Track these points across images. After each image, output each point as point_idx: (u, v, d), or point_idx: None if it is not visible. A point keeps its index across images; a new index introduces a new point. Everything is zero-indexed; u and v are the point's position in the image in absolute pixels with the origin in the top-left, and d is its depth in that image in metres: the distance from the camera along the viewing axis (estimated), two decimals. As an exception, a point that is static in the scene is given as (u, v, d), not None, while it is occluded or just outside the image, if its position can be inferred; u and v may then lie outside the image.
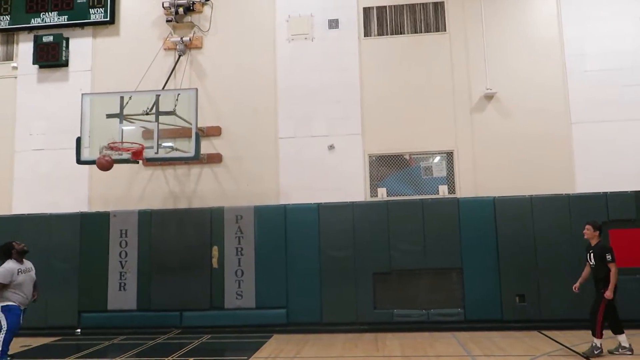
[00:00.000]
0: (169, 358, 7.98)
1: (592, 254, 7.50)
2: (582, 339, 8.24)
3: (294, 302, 10.17)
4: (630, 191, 9.90)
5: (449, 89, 10.84)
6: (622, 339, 7.40)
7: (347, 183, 10.75)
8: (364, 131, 10.92)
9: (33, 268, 7.67)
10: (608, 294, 7.25)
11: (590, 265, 7.53)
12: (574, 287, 7.72)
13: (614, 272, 7.27)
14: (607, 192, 9.91)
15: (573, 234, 9.61)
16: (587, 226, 7.66)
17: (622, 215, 9.74)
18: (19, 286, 7.29)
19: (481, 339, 8.76)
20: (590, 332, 7.47)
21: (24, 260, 7.53)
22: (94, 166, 10.21)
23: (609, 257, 7.32)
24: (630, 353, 7.29)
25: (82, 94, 10.02)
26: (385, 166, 10.96)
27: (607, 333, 7.41)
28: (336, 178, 10.78)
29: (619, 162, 10.25)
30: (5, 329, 7.17)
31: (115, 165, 9.36)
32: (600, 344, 7.20)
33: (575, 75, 10.57)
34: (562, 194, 10.02)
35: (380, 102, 10.95)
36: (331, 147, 10.88)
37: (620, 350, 7.38)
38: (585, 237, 7.67)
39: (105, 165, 9.05)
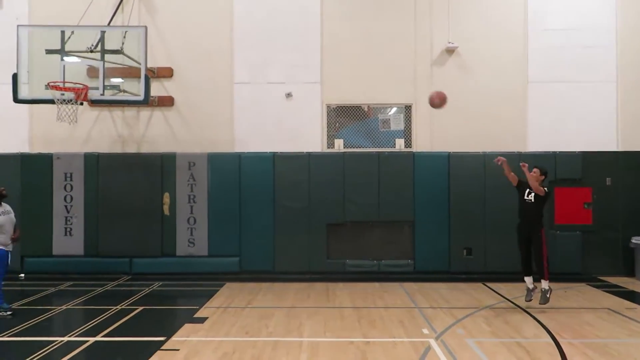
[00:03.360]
0: (119, 306, 7.85)
1: (532, 194, 7.52)
2: (522, 292, 8.66)
3: (247, 251, 10.19)
4: (578, 151, 10.25)
5: (411, 40, 10.62)
6: (529, 280, 7.74)
7: (304, 133, 10.57)
8: (323, 80, 10.63)
9: (12, 211, 7.77)
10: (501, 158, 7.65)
11: (526, 200, 7.58)
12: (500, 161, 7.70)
13: (541, 190, 7.43)
14: (556, 152, 10.22)
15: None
16: (535, 169, 7.68)
17: (569, 174, 10.13)
18: (1, 227, 7.37)
19: (428, 290, 9.09)
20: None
21: (2, 203, 7.62)
22: (35, 104, 9.65)
23: (545, 189, 7.47)
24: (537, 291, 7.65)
25: (18, 26, 9.15)
26: (343, 117, 10.80)
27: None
28: (293, 127, 10.57)
29: (570, 123, 10.52)
30: None
31: (58, 105, 8.76)
32: (549, 286, 7.50)
33: (536, 33, 10.56)
34: (514, 152, 10.25)
35: (341, 50, 10.63)
36: (289, 95, 10.57)
37: (532, 294, 7.69)
38: (529, 178, 7.54)
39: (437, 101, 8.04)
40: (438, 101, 8.01)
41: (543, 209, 7.65)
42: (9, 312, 7.38)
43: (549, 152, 10.23)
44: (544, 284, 7.53)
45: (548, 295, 7.50)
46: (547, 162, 10.00)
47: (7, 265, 7.50)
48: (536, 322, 7.00)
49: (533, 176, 7.65)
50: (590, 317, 7.30)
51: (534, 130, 10.53)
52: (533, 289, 7.81)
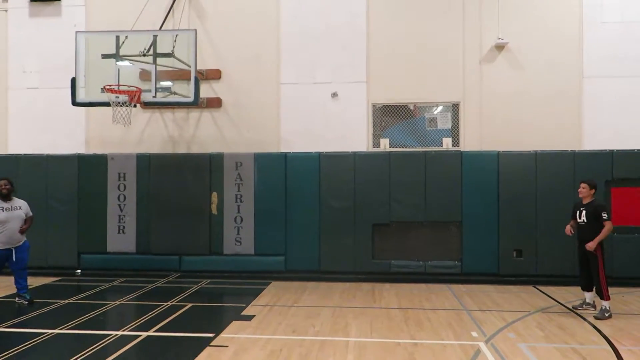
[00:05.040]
0: (169, 302, 8.07)
1: (584, 212, 7.37)
2: (576, 295, 8.35)
3: (293, 250, 10.25)
4: (637, 149, 9.76)
5: (459, 37, 10.41)
6: (589, 296, 7.54)
7: (349, 132, 10.54)
8: (368, 79, 10.57)
9: (24, 207, 7.98)
10: (590, 245, 7.21)
11: (579, 222, 7.41)
12: (568, 233, 7.57)
13: (607, 229, 7.21)
14: (613, 150, 9.76)
15: (576, 190, 9.49)
16: (583, 184, 7.52)
17: (627, 174, 9.64)
18: (1, 224, 7.66)
19: (477, 292, 8.88)
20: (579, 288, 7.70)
21: (13, 198, 7.92)
22: (91, 107, 10.04)
23: (605, 215, 7.23)
24: (593, 309, 7.47)
25: (76, 32, 9.57)
26: (389, 116, 10.71)
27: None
28: (339, 127, 10.56)
29: (628, 120, 10.02)
30: None
31: (113, 108, 9.10)
32: (609, 306, 7.23)
33: (592, 26, 10.12)
34: (567, 151, 9.88)
35: (387, 49, 10.54)
36: (334, 94, 10.57)
37: (584, 306, 7.55)
38: (580, 195, 7.54)
39: None
40: None
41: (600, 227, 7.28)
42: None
43: (606, 150, 9.79)
44: (605, 304, 7.21)
45: (607, 315, 7.14)
46: (603, 161, 9.68)
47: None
48: (593, 328, 6.71)
49: (582, 192, 7.48)
50: (652, 324, 6.94)
51: (590, 127, 10.10)
52: (589, 304, 7.54)
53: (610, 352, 5.76)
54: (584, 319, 7.14)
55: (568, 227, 7.60)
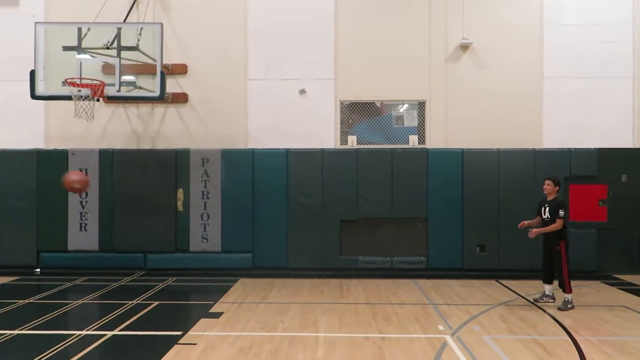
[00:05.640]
0: (134, 301, 7.91)
1: (547, 208, 7.64)
2: (536, 289, 8.64)
3: (260, 247, 10.22)
4: (593, 148, 10.16)
5: (425, 37, 10.57)
6: (548, 288, 7.81)
7: (317, 129, 10.57)
8: (336, 76, 10.62)
9: None
10: (535, 231, 7.55)
11: (544, 218, 7.68)
12: (520, 225, 7.83)
13: (557, 225, 7.47)
14: (571, 149, 10.14)
15: (536, 187, 9.81)
16: (548, 181, 7.77)
17: (584, 171, 10.05)
18: None
19: (442, 287, 9.07)
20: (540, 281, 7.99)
21: None
22: (51, 101, 9.73)
23: (561, 212, 7.48)
24: (552, 301, 7.74)
25: (35, 23, 9.21)
26: (357, 113, 10.79)
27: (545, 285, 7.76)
28: (307, 123, 10.57)
29: (585, 119, 10.42)
30: None
31: (75, 102, 8.82)
32: (571, 298, 7.51)
33: (552, 28, 10.47)
34: (528, 149, 10.20)
35: (355, 47, 10.61)
36: (302, 91, 10.57)
37: (544, 298, 7.83)
38: (545, 192, 7.78)
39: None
40: (79, 186, 8.62)
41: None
42: None
43: (564, 148, 10.16)
44: (567, 296, 7.49)
45: (569, 306, 7.43)
46: (562, 158, 10.05)
47: None
48: (552, 320, 6.96)
49: (547, 189, 7.72)
50: (607, 314, 7.25)
51: (549, 126, 10.45)
52: (549, 296, 7.80)
53: (569, 342, 5.99)
54: (544, 311, 7.40)
55: (523, 222, 7.80)
